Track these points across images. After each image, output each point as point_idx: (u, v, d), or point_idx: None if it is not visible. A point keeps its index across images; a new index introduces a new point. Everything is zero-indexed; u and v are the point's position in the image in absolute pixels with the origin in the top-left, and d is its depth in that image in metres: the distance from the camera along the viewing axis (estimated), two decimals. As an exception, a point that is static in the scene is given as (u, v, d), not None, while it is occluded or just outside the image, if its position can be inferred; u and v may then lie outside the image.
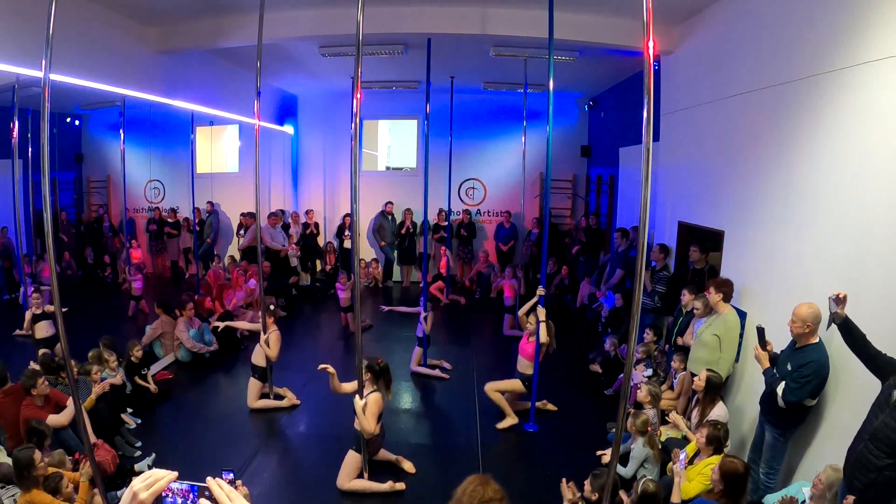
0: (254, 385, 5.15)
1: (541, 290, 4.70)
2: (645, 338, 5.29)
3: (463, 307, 8.75)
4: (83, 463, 3.16)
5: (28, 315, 5.53)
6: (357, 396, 3.71)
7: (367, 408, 3.71)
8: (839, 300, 2.76)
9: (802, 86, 3.59)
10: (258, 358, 5.13)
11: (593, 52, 6.15)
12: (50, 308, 5.40)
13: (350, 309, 7.01)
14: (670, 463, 3.44)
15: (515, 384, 4.91)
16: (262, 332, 5.07)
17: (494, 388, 4.93)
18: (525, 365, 4.84)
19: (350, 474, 3.92)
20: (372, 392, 3.80)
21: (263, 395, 5.24)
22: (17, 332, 5.98)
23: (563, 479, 3.11)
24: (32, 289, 5.98)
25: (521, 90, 7.46)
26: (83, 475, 3.12)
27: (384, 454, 4.17)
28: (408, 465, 4.19)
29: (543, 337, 4.66)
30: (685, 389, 4.51)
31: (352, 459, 3.93)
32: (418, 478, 4.13)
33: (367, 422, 3.70)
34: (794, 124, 3.70)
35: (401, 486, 3.96)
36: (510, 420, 4.89)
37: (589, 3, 5.03)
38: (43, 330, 5.48)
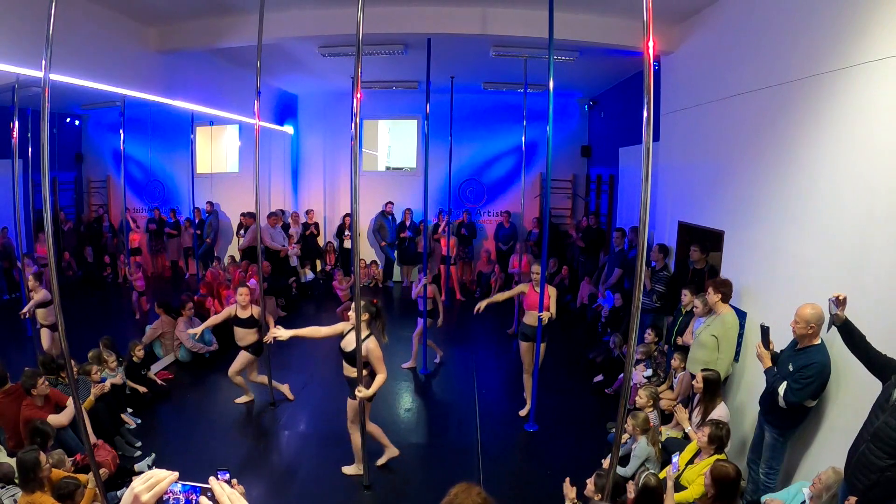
0: (243, 357, 5.04)
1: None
2: (646, 338, 5.29)
3: (463, 306, 8.76)
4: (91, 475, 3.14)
5: (29, 306, 5.45)
6: (359, 389, 3.63)
7: (372, 353, 3.67)
8: (839, 302, 2.76)
9: (802, 86, 3.58)
10: (247, 339, 5.04)
11: (593, 52, 6.14)
12: (48, 296, 5.32)
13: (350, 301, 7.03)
14: (668, 467, 3.44)
15: (528, 351, 4.95)
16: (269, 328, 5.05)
17: (529, 371, 4.97)
18: (534, 317, 4.80)
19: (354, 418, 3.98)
20: (368, 336, 3.72)
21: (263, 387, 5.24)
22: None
23: (567, 479, 3.10)
24: (32, 272, 5.85)
25: (521, 90, 7.45)
26: (90, 482, 3.11)
27: (378, 432, 4.17)
28: (391, 452, 4.22)
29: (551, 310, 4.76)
30: (684, 390, 4.51)
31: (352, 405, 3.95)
32: (418, 478, 4.14)
33: (379, 372, 3.69)
34: (794, 124, 3.70)
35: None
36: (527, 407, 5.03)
37: (589, 3, 5.03)
38: (44, 317, 5.41)
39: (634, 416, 3.79)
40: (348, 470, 4.10)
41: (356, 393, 3.65)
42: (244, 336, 5.03)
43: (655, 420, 4.11)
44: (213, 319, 5.18)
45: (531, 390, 4.94)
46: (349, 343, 3.74)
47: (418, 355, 6.12)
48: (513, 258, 8.93)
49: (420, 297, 5.92)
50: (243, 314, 5.00)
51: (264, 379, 5.20)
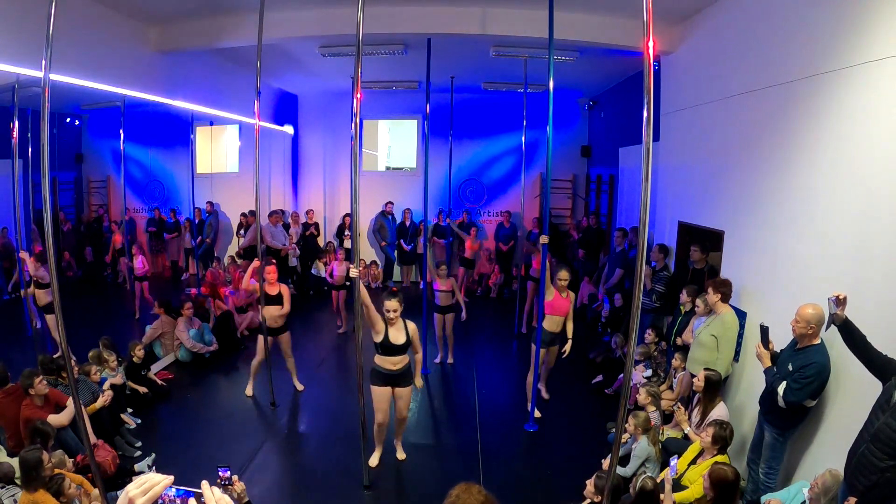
0: (286, 337, 5.36)
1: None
2: (646, 338, 5.29)
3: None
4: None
5: (32, 289, 5.43)
6: (417, 382, 4.14)
7: (415, 333, 4.01)
8: (839, 301, 2.75)
9: (802, 86, 3.58)
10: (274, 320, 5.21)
11: (593, 52, 6.14)
12: (46, 277, 5.27)
13: (343, 287, 7.07)
14: (667, 469, 3.44)
15: (551, 354, 5.07)
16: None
17: (531, 377, 5.02)
18: (556, 322, 4.89)
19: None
20: (407, 321, 4.02)
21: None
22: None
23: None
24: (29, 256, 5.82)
25: (521, 90, 7.46)
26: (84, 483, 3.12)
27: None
28: (379, 453, 4.30)
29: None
30: (684, 389, 4.51)
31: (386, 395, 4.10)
32: (418, 478, 4.14)
33: (418, 350, 4.16)
34: (794, 124, 3.69)
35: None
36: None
37: (589, 3, 5.03)
38: (43, 298, 5.37)
39: (636, 415, 3.79)
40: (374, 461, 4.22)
41: (415, 384, 4.12)
42: (274, 315, 5.20)
43: (657, 420, 4.11)
44: (252, 298, 5.36)
45: (532, 389, 4.94)
46: (398, 337, 3.92)
47: (443, 347, 6.40)
48: (533, 259, 8.67)
49: (436, 292, 6.02)
50: (273, 291, 5.17)
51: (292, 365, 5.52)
